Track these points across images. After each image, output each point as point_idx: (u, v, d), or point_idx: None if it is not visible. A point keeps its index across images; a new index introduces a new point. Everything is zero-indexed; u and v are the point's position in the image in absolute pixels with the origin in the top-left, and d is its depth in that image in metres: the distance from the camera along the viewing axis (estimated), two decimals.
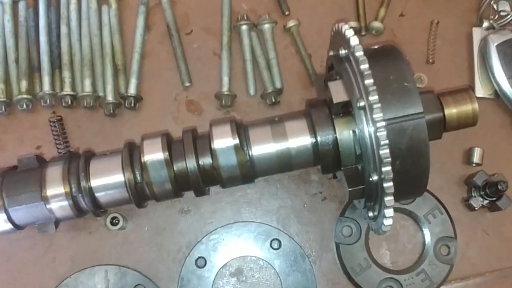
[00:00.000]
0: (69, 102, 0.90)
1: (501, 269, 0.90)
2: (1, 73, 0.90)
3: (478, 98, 0.91)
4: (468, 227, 0.91)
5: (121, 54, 0.93)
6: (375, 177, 0.68)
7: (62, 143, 0.89)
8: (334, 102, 0.72)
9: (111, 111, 0.90)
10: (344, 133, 0.74)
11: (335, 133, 0.74)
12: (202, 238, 0.90)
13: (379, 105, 0.65)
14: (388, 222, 0.71)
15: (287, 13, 0.96)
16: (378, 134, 0.65)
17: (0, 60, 0.91)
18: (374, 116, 0.65)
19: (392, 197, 0.68)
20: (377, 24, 0.95)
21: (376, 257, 0.90)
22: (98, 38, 0.92)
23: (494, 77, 0.91)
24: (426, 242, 0.90)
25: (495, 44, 0.91)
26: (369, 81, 0.66)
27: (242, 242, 0.90)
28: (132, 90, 0.91)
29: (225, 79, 0.92)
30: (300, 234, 0.91)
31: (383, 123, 0.65)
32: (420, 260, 0.90)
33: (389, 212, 0.70)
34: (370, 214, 0.76)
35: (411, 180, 0.71)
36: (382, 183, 0.67)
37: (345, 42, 0.71)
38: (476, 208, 0.90)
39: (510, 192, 0.87)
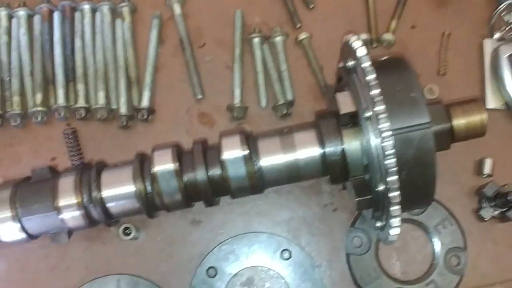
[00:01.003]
0: (83, 115, 0.91)
1: (511, 279, 0.90)
2: (17, 86, 0.92)
3: (489, 109, 0.92)
4: (479, 237, 0.91)
5: (135, 67, 0.95)
6: (381, 187, 0.69)
7: (76, 155, 0.91)
8: (341, 112, 0.73)
9: (125, 124, 0.92)
10: (352, 144, 0.74)
11: (343, 143, 0.75)
12: (213, 248, 0.91)
13: (385, 115, 0.66)
14: (394, 231, 0.71)
15: (298, 25, 0.97)
16: (384, 144, 0.65)
17: (16, 73, 0.93)
18: (380, 126, 0.66)
19: (398, 207, 0.68)
20: (388, 36, 0.96)
21: (386, 268, 0.90)
22: (111, 51, 0.94)
23: (505, 88, 0.91)
24: (436, 252, 0.90)
25: (506, 55, 0.92)
26: (375, 91, 0.66)
27: (253, 253, 0.90)
28: (145, 103, 0.92)
29: (237, 92, 0.93)
30: (311, 245, 0.91)
31: (389, 133, 0.65)
32: (430, 270, 0.90)
33: (395, 221, 0.70)
34: (378, 224, 0.77)
35: (418, 190, 0.71)
36: (389, 192, 0.67)
37: (353, 53, 0.71)
38: (486, 219, 0.89)
39: None
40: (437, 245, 0.90)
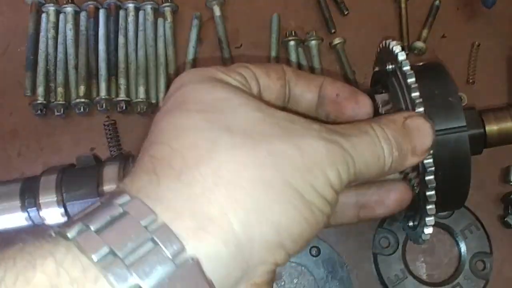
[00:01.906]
0: (124, 107, 0.94)
1: None
2: (61, 78, 0.96)
3: None
4: (504, 244, 0.93)
5: (174, 64, 0.98)
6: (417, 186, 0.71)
7: (115, 145, 0.94)
8: (380, 113, 0.76)
9: None
10: None
11: None
12: None
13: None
14: (428, 230, 0.73)
15: (333, 31, 1.00)
16: None
17: (61, 65, 0.96)
18: None
19: (433, 206, 0.70)
20: (419, 44, 0.99)
21: (413, 269, 0.92)
22: (153, 48, 0.97)
23: None
24: (462, 256, 0.92)
25: None
26: (415, 94, 0.69)
27: None
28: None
29: None
30: (339, 243, 0.93)
31: None
32: (455, 274, 0.92)
33: (430, 220, 0.72)
34: (410, 223, 0.79)
35: (452, 191, 0.73)
36: (425, 191, 0.70)
37: (392, 57, 0.74)
38: None
39: None
40: (463, 249, 0.92)
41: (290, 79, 0.58)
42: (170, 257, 0.38)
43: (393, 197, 0.63)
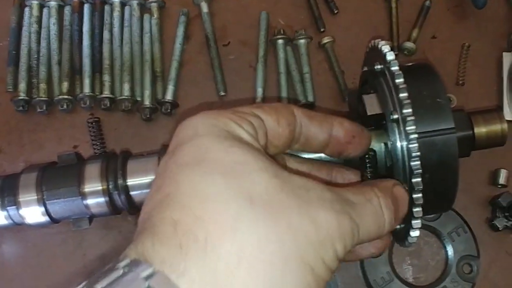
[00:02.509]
0: (108, 105, 0.92)
1: None
2: (44, 74, 0.94)
3: (506, 121, 0.93)
4: (491, 247, 0.92)
5: (160, 61, 0.96)
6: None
7: (98, 143, 0.92)
8: (368, 114, 0.74)
9: (148, 116, 0.93)
10: (376, 145, 0.75)
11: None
12: None
13: (412, 117, 0.67)
14: (415, 233, 0.72)
15: (322, 30, 0.99)
16: (410, 146, 0.67)
17: (44, 61, 0.94)
18: (407, 128, 0.67)
19: (420, 208, 0.69)
20: (409, 45, 0.97)
21: (399, 272, 0.91)
22: (139, 45, 0.96)
23: None
24: (449, 259, 0.91)
25: None
26: (403, 95, 0.68)
27: None
28: (169, 96, 0.94)
29: (259, 90, 0.95)
30: None
31: (416, 136, 0.67)
32: (442, 276, 0.91)
33: (417, 223, 0.71)
34: (397, 226, 0.78)
35: (440, 194, 0.72)
36: (412, 194, 0.68)
37: (381, 57, 0.73)
38: (500, 229, 0.90)
39: None
40: (450, 252, 0.91)
41: (303, 121, 0.59)
42: None
43: (378, 243, 0.66)
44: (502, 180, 0.93)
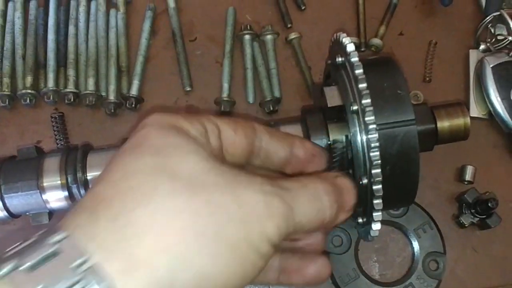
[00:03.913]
0: (72, 100, 0.91)
1: (489, 287, 0.91)
2: (8, 68, 0.93)
3: (473, 118, 0.94)
4: (458, 243, 0.92)
5: (126, 56, 0.95)
6: (365, 181, 0.70)
7: (62, 138, 0.91)
8: (329, 106, 0.74)
9: (112, 111, 0.92)
10: (337, 138, 0.75)
11: (329, 137, 0.76)
12: None
13: (371, 108, 0.67)
14: (376, 226, 0.72)
15: (289, 25, 0.99)
16: (369, 136, 0.67)
17: (8, 55, 0.93)
18: (366, 119, 0.67)
19: (380, 200, 0.69)
20: (376, 41, 0.97)
21: (365, 268, 0.91)
22: (104, 39, 0.95)
23: (488, 98, 0.93)
24: (415, 256, 0.91)
25: (491, 65, 0.93)
26: (362, 85, 0.68)
27: None
28: (134, 91, 0.93)
29: (226, 86, 0.94)
30: None
31: (375, 126, 0.66)
32: (408, 273, 0.90)
33: (377, 215, 0.71)
34: (359, 220, 0.77)
35: (401, 186, 0.72)
36: (372, 186, 0.68)
37: (342, 49, 0.73)
38: (466, 225, 0.90)
39: (501, 211, 0.89)
40: (417, 248, 0.91)
41: (263, 136, 0.60)
42: None
43: (312, 270, 0.64)
44: (468, 176, 0.93)
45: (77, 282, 0.40)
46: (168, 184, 0.45)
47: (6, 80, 0.92)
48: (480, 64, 0.95)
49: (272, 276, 0.64)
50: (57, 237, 0.42)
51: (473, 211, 0.90)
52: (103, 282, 0.40)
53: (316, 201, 0.54)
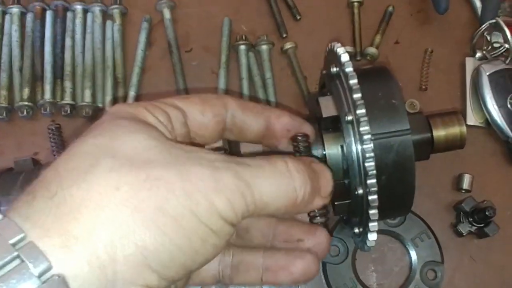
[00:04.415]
0: (69, 111, 0.92)
1: None
2: (5, 81, 0.93)
3: (470, 126, 0.94)
4: (456, 252, 0.92)
5: (122, 67, 0.96)
6: (360, 191, 0.70)
7: (59, 150, 0.90)
8: (324, 116, 0.74)
9: None
10: (332, 148, 0.75)
11: (324, 147, 0.76)
12: None
13: (366, 118, 0.67)
14: (372, 236, 0.72)
15: (284, 35, 0.99)
16: (364, 147, 0.66)
17: (5, 68, 0.94)
18: (361, 129, 0.67)
19: (376, 211, 0.69)
20: (372, 50, 0.98)
21: (363, 278, 0.90)
22: (101, 51, 0.95)
23: (485, 105, 0.93)
24: (413, 265, 0.90)
25: (487, 73, 0.93)
26: (357, 95, 0.68)
27: None
28: (130, 102, 0.93)
29: None
30: None
31: (369, 136, 0.66)
32: (406, 283, 0.90)
33: (373, 226, 0.70)
34: (356, 230, 0.77)
35: (397, 196, 0.72)
36: (367, 196, 0.68)
37: (337, 59, 0.73)
38: (464, 234, 0.90)
39: (499, 219, 0.88)
40: (414, 258, 0.90)
41: (236, 112, 0.59)
42: (36, 274, 0.39)
43: (300, 266, 0.62)
44: (465, 185, 0.92)
45: (13, 259, 0.39)
46: (107, 163, 0.45)
47: (3, 92, 0.93)
48: (477, 72, 0.95)
49: (255, 275, 0.62)
50: None
51: (470, 219, 0.90)
52: (40, 258, 0.39)
53: (284, 178, 0.52)
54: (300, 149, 0.66)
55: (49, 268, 0.39)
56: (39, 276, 0.39)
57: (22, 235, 0.40)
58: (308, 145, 0.67)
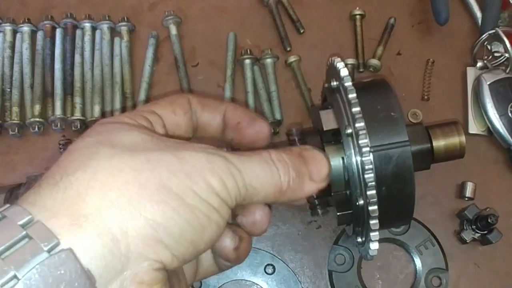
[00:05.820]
0: (79, 127, 0.94)
1: None
2: (17, 97, 0.96)
3: (472, 135, 0.95)
4: (460, 259, 0.93)
5: (130, 83, 0.98)
6: (361, 202, 0.71)
7: None
8: (324, 129, 0.76)
9: None
10: (334, 160, 0.77)
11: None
12: None
13: (364, 131, 0.69)
14: (374, 246, 0.73)
15: (288, 49, 1.01)
16: (363, 159, 0.68)
17: (17, 85, 0.96)
18: (360, 142, 0.68)
19: (377, 221, 0.70)
20: (374, 62, 0.99)
21: (368, 286, 0.92)
22: (109, 67, 0.98)
23: (486, 114, 0.94)
24: (418, 273, 0.92)
25: (488, 83, 0.95)
26: (356, 109, 0.69)
27: (237, 266, 0.92)
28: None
29: None
30: (295, 261, 0.93)
31: (368, 149, 0.68)
32: None
33: (375, 235, 0.72)
34: (359, 239, 0.79)
35: (398, 206, 0.73)
36: (368, 207, 0.70)
37: (336, 74, 0.75)
38: (467, 241, 0.91)
39: (502, 226, 0.89)
40: (419, 265, 0.92)
41: (196, 109, 0.62)
42: (45, 249, 0.40)
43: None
44: (468, 193, 0.94)
45: (22, 238, 0.41)
46: (108, 151, 0.47)
47: (15, 109, 0.95)
48: (478, 81, 0.96)
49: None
50: (1, 209, 0.43)
51: (474, 227, 0.91)
52: (48, 235, 0.41)
53: (269, 166, 0.54)
54: (294, 140, 0.72)
55: (57, 244, 0.41)
56: (49, 251, 0.40)
57: (30, 216, 0.42)
58: (300, 137, 0.73)
